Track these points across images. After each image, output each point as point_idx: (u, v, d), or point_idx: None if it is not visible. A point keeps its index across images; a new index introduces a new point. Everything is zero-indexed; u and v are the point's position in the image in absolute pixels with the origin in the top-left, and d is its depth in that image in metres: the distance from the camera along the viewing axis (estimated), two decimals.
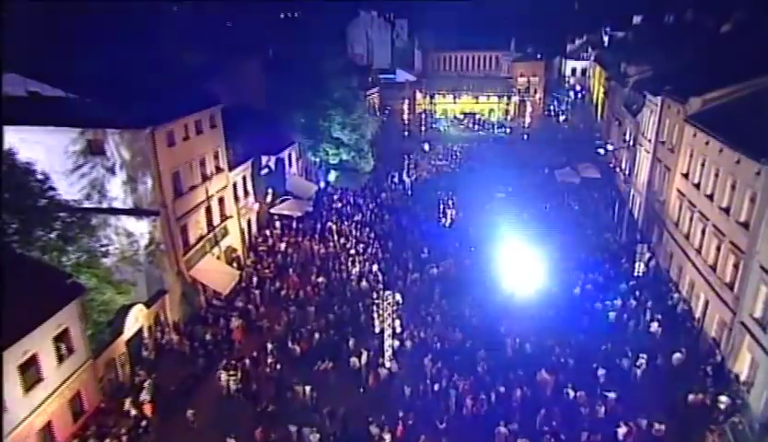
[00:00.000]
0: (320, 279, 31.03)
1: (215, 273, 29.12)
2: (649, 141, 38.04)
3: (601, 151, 50.59)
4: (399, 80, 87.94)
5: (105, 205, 25.03)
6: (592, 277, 30.83)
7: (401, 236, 36.99)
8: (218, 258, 30.75)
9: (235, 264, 32.09)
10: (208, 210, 30.15)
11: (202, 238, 29.32)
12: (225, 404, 22.68)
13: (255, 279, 31.26)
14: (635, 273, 30.30)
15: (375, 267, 31.96)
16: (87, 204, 24.37)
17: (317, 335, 26.00)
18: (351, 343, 25.26)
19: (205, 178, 29.84)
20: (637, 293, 29.11)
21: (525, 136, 67.14)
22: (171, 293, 26.88)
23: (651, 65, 44.72)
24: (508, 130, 70.53)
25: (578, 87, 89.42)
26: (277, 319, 27.58)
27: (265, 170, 37.73)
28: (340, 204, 42.82)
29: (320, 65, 42.10)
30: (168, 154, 26.12)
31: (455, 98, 77.22)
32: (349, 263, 32.55)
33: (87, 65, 25.22)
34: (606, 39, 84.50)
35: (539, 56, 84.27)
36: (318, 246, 35.09)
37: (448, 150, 61.38)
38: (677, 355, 24.15)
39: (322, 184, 45.77)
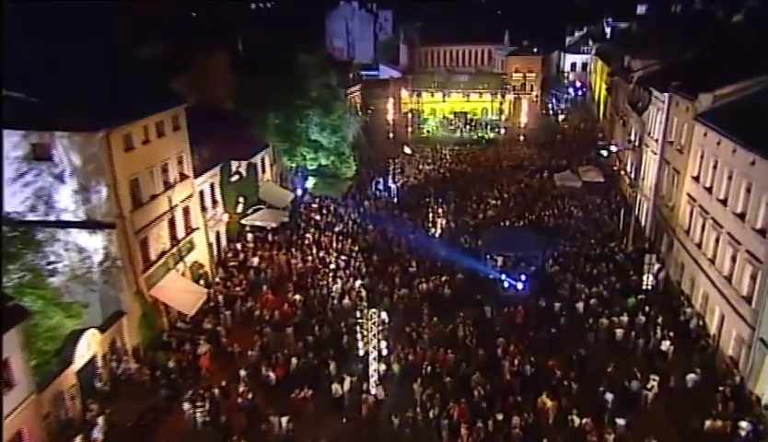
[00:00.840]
0: (298, 297, 30.86)
1: (180, 291, 28.78)
2: (656, 141, 38.49)
3: (604, 153, 51.22)
4: (382, 77, 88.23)
5: (53, 218, 24.61)
6: (596, 291, 31.04)
7: (387, 248, 37.04)
8: (183, 275, 30.50)
9: (202, 282, 31.85)
10: (171, 222, 29.89)
11: (164, 253, 29.03)
12: (191, 440, 22.25)
13: (225, 298, 31.02)
14: (644, 286, 30.50)
15: (358, 283, 31.92)
16: (31, 217, 23.93)
17: (294, 360, 25.74)
18: (332, 367, 25.08)
19: (168, 186, 29.59)
20: (646, 308, 29.25)
21: (521, 137, 67.69)
22: (129, 315, 26.47)
23: (657, 59, 45.40)
24: (503, 130, 71.09)
25: (578, 84, 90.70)
26: (250, 343, 27.29)
27: (236, 177, 37.51)
28: (319, 214, 42.80)
29: (295, 61, 42.07)
30: (126, 159, 25.81)
31: (444, 96, 77.75)
32: (330, 279, 32.49)
33: (31, 59, 24.68)
34: (608, 30, 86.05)
35: (535, 50, 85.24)
36: (295, 260, 34.97)
37: (437, 153, 61.76)
38: (691, 377, 24.22)
39: (299, 192, 45.72)
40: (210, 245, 34.10)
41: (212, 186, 35.20)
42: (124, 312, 26.28)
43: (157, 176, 28.67)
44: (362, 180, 50.57)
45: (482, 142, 67.72)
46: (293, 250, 36.35)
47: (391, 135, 67.83)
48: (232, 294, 31.50)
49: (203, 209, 33.68)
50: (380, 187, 49.43)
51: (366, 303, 28.62)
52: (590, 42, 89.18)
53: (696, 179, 30.87)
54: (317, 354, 26.07)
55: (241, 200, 37.68)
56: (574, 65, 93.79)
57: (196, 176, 32.62)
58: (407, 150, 60.58)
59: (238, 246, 36.77)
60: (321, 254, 35.78)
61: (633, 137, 46.13)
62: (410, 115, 73.19)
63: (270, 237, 38.00)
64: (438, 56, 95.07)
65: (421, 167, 56.59)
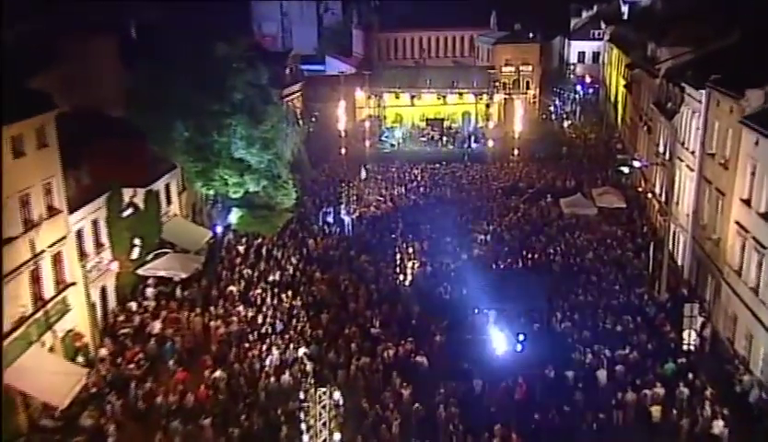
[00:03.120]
0: (218, 374, 30.45)
1: (47, 375, 27.84)
2: (692, 153, 39.21)
3: (625, 169, 51.99)
4: (330, 73, 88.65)
5: None
6: (622, 354, 31.10)
7: (341, 303, 36.93)
8: (52, 350, 29.81)
9: (80, 359, 31.10)
10: (35, 275, 29.40)
11: (23, 319, 28.26)
12: None
13: (114, 380, 30.32)
14: (685, 347, 30.64)
15: (302, 351, 31.79)
16: None
17: None
18: None
19: (30, 225, 29.09)
20: (689, 375, 29.32)
21: (515, 151, 68.59)
22: None
23: (690, 46, 46.51)
24: (491, 142, 71.95)
25: (588, 79, 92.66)
26: None
27: (129, 211, 37.16)
28: (247, 259, 42.57)
29: (210, 52, 41.79)
30: None
31: (413, 97, 78.68)
32: (263, 348, 32.24)
33: None
34: (625, 9, 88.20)
35: (531, 36, 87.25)
36: (214, 323, 34.63)
37: (405, 174, 62.17)
38: None
39: (219, 229, 45.38)
40: (92, 306, 33.43)
41: (95, 224, 34.74)
42: None
43: (13, 211, 27.95)
44: (305, 211, 50.56)
45: (464, 158, 68.40)
46: (211, 308, 35.96)
47: (344, 151, 68.18)
48: (124, 374, 30.76)
49: (83, 256, 33.17)
50: (330, 220, 49.47)
51: (312, 379, 28.39)
52: (602, 25, 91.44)
53: (747, 202, 31.41)
54: None
55: (137, 242, 37.20)
56: (582, 55, 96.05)
57: (72, 211, 32.12)
58: (365, 171, 60.73)
59: (134, 306, 36.21)
60: (251, 314, 35.51)
61: (661, 148, 46.98)
62: (368, 123, 73.78)
63: (179, 291, 37.62)
64: (404, 45, 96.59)
65: (384, 192, 56.84)
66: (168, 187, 42.20)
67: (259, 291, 37.92)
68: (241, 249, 43.97)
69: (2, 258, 25.26)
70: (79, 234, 33.07)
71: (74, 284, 31.72)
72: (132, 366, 31.34)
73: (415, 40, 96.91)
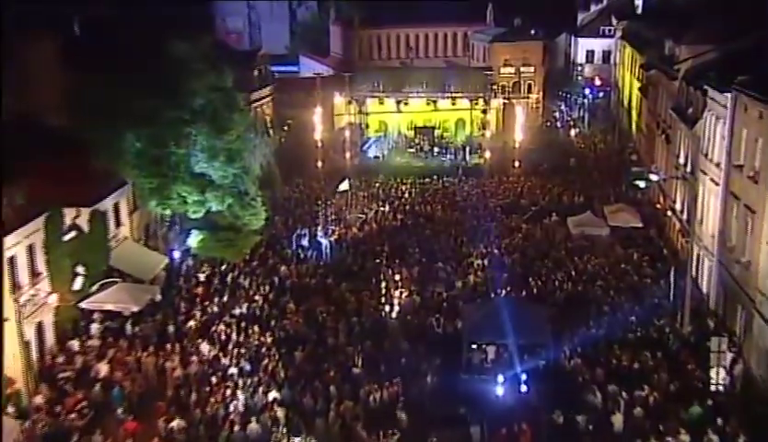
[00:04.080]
0: (176, 424, 29.99)
1: None
2: (717, 165, 39.30)
3: (641, 184, 52.10)
4: (305, 75, 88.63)
5: None
6: (641, 396, 30.92)
7: (317, 339, 36.79)
8: None
9: (11, 408, 30.51)
10: None
11: None
12: None
13: (52, 432, 29.71)
14: (713, 387, 30.49)
15: (272, 396, 31.57)
16: None
17: None
18: None
19: None
20: (719, 421, 29.12)
21: (516, 163, 68.94)
22: None
23: (713, 44, 46.75)
24: (488, 153, 72.35)
25: (598, 82, 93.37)
26: None
27: (71, 234, 36.92)
28: (209, 289, 42.36)
29: (166, 51, 41.75)
30: None
31: (399, 103, 78.82)
32: (227, 392, 31.89)
33: None
34: (639, 2, 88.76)
35: (533, 33, 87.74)
36: (171, 364, 34.27)
37: (390, 190, 62.43)
38: None
39: (177, 254, 45.49)
40: (26, 345, 33.04)
41: (30, 249, 34.44)
42: None
43: None
44: (276, 233, 50.61)
45: (457, 171, 68.52)
46: (167, 347, 35.63)
47: (321, 164, 68.28)
48: (64, 425, 30.17)
49: (15, 288, 32.81)
50: (305, 244, 49.50)
51: (284, 428, 28.56)
52: (614, 21, 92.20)
53: None
54: None
55: (81, 270, 37.01)
56: (590, 55, 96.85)
57: (3, 235, 30.83)
58: (345, 186, 60.81)
59: (76, 345, 35.76)
60: (213, 352, 35.28)
61: (682, 160, 47.15)
62: (348, 132, 74.04)
63: (129, 327, 37.28)
64: (389, 44, 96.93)
65: (367, 211, 56.81)
66: (116, 206, 42.02)
67: (223, 326, 37.62)
68: (202, 277, 43.70)
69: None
70: (12, 262, 32.59)
71: (6, 320, 30.56)
72: (73, 415, 30.69)
73: (402, 37, 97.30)
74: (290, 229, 51.59)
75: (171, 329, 37.45)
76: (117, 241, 41.83)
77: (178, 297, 41.06)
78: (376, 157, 73.46)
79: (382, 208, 57.57)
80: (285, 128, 72.45)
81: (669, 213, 49.91)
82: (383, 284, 40.28)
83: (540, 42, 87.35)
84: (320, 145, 69.30)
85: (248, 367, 33.90)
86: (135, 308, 37.57)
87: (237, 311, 39.39)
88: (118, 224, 42.46)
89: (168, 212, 44.53)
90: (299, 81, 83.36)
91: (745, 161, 35.84)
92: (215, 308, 39.85)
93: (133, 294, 38.30)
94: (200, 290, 42.08)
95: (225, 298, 41.02)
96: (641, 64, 68.17)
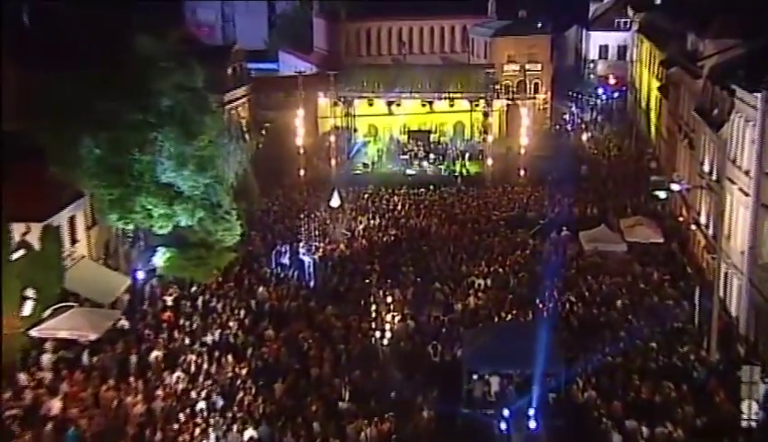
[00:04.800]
0: None
1: None
2: (746, 173, 39.17)
3: (661, 194, 52.12)
4: (285, 73, 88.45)
5: None
6: (663, 433, 30.71)
7: (300, 368, 36.58)
8: None
9: None
10: None
11: None
12: None
13: None
14: (744, 422, 30.17)
15: (249, 434, 31.14)
16: None
17: None
18: None
19: None
20: None
21: (521, 171, 69.02)
22: None
23: (742, 37, 46.71)
24: (490, 160, 72.19)
25: (612, 80, 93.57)
26: None
27: (19, 253, 36.74)
28: (177, 313, 42.05)
29: (129, 46, 41.84)
30: None
31: (391, 104, 78.45)
32: (197, 430, 31.45)
33: None
34: None
35: (540, 26, 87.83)
36: (133, 398, 33.71)
37: (381, 202, 62.44)
38: None
39: (141, 275, 45.22)
40: None
41: None
42: None
43: None
44: (253, 251, 50.52)
45: (456, 180, 68.63)
46: (129, 379, 35.20)
47: (303, 173, 68.29)
48: None
49: None
50: (286, 262, 49.41)
51: None
52: (630, 12, 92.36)
53: None
54: None
55: (31, 293, 36.76)
56: (604, 50, 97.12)
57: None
58: (336, 201, 60.51)
59: (24, 378, 35.11)
60: (182, 386, 34.95)
61: (706, 167, 47.03)
62: (334, 138, 73.74)
63: (86, 358, 36.80)
64: (379, 38, 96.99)
65: (356, 226, 56.78)
66: (72, 221, 41.91)
67: (192, 356, 37.24)
68: (170, 300, 43.23)
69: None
70: None
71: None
72: None
73: (394, 31, 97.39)
74: (269, 246, 51.50)
75: (134, 359, 36.95)
76: (72, 260, 41.44)
77: (142, 324, 40.53)
78: (365, 165, 73.43)
79: (372, 222, 57.52)
80: (263, 132, 72.36)
81: (693, 226, 49.74)
82: (373, 308, 40.12)
83: (547, 36, 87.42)
84: (302, 151, 69.29)
85: (220, 402, 33.48)
86: (93, 336, 37.16)
87: (208, 339, 39.06)
88: (73, 241, 42.21)
89: (130, 227, 44.31)
90: (279, 80, 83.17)
91: None
92: (184, 336, 39.53)
93: (91, 320, 37.88)
94: (167, 315, 41.62)
95: (195, 324, 40.70)
96: (661, 61, 68.29)
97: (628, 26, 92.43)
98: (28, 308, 36.43)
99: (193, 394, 34.09)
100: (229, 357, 37.14)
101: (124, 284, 43.24)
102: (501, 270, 47.55)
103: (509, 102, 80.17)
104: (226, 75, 66.97)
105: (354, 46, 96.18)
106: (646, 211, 55.83)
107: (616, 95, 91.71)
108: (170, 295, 43.84)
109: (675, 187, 49.88)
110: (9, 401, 33.85)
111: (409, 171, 71.72)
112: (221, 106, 56.18)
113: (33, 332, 36.62)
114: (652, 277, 46.25)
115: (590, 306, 42.43)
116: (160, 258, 45.61)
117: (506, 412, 31.39)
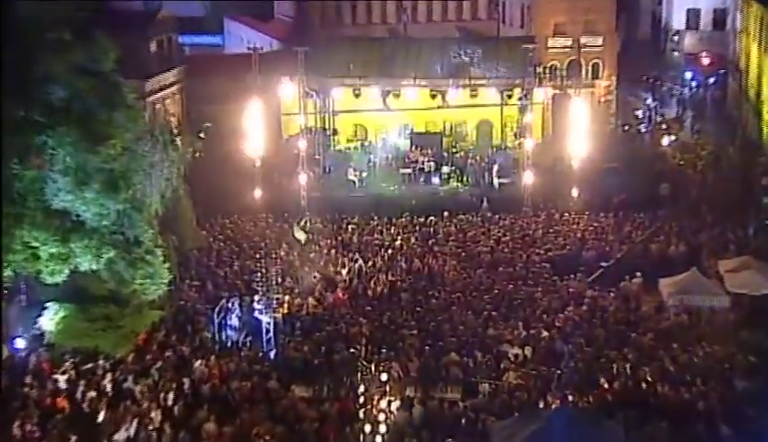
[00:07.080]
0: None
1: None
2: None
3: None
4: (234, 50, 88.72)
5: None
6: None
7: None
8: None
9: None
10: None
11: None
12: None
13: None
14: None
15: None
16: None
17: None
18: None
19: None
20: None
21: (573, 191, 68.88)
22: None
23: None
24: (529, 175, 71.57)
25: (706, 59, 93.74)
26: None
27: None
28: (73, 399, 41.48)
29: (5, 11, 42.02)
30: None
31: (386, 95, 78.29)
32: None
33: None
34: None
35: None
36: None
37: (371, 234, 62.90)
38: None
39: (22, 344, 45.24)
40: None
41: None
42: None
43: None
44: (187, 307, 50.40)
45: (481, 204, 68.49)
46: None
47: (260, 193, 68.68)
48: None
49: None
50: (235, 324, 49.39)
51: None
52: None
53: None
54: None
55: None
56: (694, 16, 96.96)
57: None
58: (301, 234, 61.16)
59: None
60: None
61: None
62: (304, 143, 73.20)
63: None
64: (369, 2, 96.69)
65: (335, 268, 56.78)
66: None
67: None
68: (63, 379, 42.70)
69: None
70: None
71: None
72: None
73: None
74: (209, 300, 51.16)
75: None
76: None
77: (22, 414, 39.76)
78: (350, 182, 73.19)
79: (360, 264, 57.32)
80: (202, 136, 72.55)
81: None
82: (361, 389, 39.21)
83: None
84: (257, 163, 69.24)
85: None
86: None
87: (120, 436, 38.51)
88: None
89: (8, 273, 43.80)
90: (225, 60, 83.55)
91: None
92: (86, 433, 39.09)
93: None
94: (59, 402, 41.14)
95: (101, 415, 40.06)
96: None
97: None
98: None
99: None
100: None
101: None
102: (546, 333, 46.94)
103: (557, 92, 79.66)
104: (147, 54, 67.00)
105: (333, 13, 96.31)
106: (758, 249, 55.23)
107: (712, 81, 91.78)
108: (64, 373, 43.25)
109: None
110: None
111: (412, 191, 71.56)
112: (141, 97, 56.44)
113: None
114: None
115: (676, 386, 41.57)
116: (51, 318, 45.76)
117: None
